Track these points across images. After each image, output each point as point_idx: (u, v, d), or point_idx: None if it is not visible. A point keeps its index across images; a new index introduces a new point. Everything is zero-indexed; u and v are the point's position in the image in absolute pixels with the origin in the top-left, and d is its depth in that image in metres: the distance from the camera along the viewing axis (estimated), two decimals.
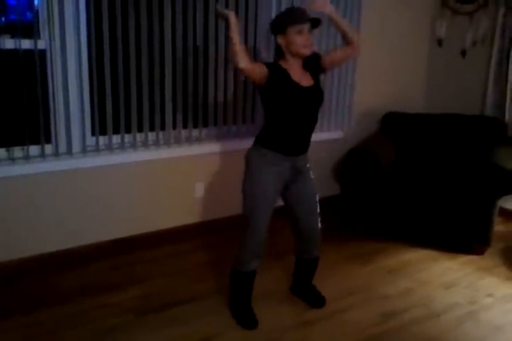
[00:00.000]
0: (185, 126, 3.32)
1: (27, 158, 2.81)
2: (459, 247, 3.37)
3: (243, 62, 2.13)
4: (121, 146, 3.11)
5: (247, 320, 2.48)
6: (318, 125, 3.84)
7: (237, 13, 3.31)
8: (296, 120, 2.31)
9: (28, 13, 2.76)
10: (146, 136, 3.19)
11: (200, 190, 3.48)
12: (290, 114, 2.28)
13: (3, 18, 2.75)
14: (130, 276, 2.91)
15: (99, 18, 2.83)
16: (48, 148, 2.91)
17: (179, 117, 3.26)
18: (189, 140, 3.35)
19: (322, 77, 2.50)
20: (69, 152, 2.97)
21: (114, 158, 3.07)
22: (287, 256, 2.78)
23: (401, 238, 3.51)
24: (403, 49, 4.27)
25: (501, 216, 3.68)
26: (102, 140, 3.06)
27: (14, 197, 2.81)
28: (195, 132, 3.39)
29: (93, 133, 3.03)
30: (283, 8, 3.50)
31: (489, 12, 3.91)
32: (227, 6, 3.24)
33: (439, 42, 4.32)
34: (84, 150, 3.00)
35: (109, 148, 3.07)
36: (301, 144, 2.39)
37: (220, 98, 3.42)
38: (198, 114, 3.36)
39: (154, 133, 3.23)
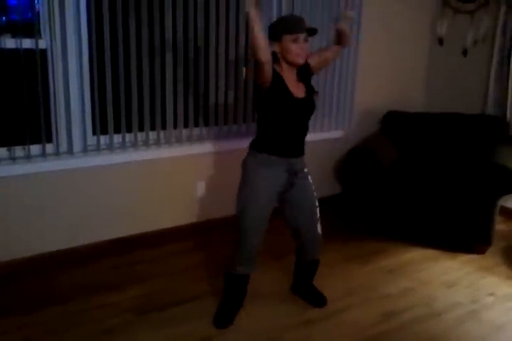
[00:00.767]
0: (186, 126, 3.32)
1: (28, 157, 2.81)
2: (460, 246, 3.36)
3: (267, 54, 2.08)
4: (122, 146, 3.11)
5: (220, 319, 2.46)
6: (318, 124, 3.89)
7: (237, 14, 3.32)
8: (288, 128, 2.31)
9: (29, 13, 2.76)
10: (147, 136, 3.19)
11: (201, 189, 3.48)
12: (282, 123, 2.29)
13: (4, 18, 2.75)
14: (130, 276, 2.91)
15: (100, 17, 2.83)
16: (49, 148, 2.91)
17: (180, 116, 3.26)
18: (190, 139, 3.35)
19: (314, 78, 2.51)
20: (70, 151, 2.97)
21: (115, 157, 3.07)
22: (287, 256, 2.77)
23: (402, 237, 3.51)
24: (404, 48, 4.26)
25: (502, 215, 3.69)
26: (103, 139, 3.06)
27: (15, 196, 2.81)
28: (196, 131, 3.39)
29: (94, 133, 3.03)
30: (283, 9, 3.51)
31: (490, 11, 3.91)
32: (227, 9, 3.25)
33: (440, 41, 4.31)
34: (85, 150, 3.00)
35: (110, 147, 3.07)
36: (295, 147, 2.38)
37: (221, 97, 3.42)
38: (199, 113, 3.36)
39: (155, 133, 3.22)
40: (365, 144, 3.77)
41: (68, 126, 2.93)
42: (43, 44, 2.75)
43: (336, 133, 4.04)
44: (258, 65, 2.12)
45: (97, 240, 3.12)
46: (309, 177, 2.46)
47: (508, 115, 3.86)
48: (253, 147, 2.37)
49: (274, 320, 2.52)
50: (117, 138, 3.10)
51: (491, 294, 2.84)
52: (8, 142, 2.77)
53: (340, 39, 2.48)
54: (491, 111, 3.95)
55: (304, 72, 2.36)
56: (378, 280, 2.97)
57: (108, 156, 3.05)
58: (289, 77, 2.28)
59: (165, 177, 3.30)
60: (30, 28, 2.68)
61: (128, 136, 3.13)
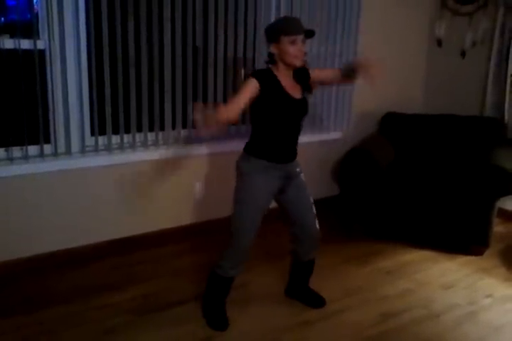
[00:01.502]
0: (184, 127, 3.32)
1: (26, 157, 2.80)
2: (458, 248, 3.37)
3: (234, 114, 2.11)
4: (121, 146, 3.11)
5: (218, 321, 2.46)
6: (317, 126, 3.89)
7: (236, 15, 3.32)
8: (283, 130, 2.31)
9: (28, 14, 2.75)
10: (146, 136, 3.19)
11: (199, 190, 3.48)
12: (279, 124, 2.28)
13: (2, 18, 2.75)
14: (130, 276, 2.91)
15: (99, 18, 2.83)
16: (47, 148, 2.91)
17: (179, 117, 3.26)
18: (189, 140, 3.35)
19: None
20: (68, 152, 2.96)
21: (114, 158, 3.07)
22: (284, 258, 2.77)
23: (400, 239, 3.51)
24: (403, 49, 4.27)
25: (500, 217, 3.69)
26: (101, 140, 3.06)
27: (13, 197, 2.81)
28: (194, 132, 3.39)
29: (92, 133, 3.03)
30: (282, 10, 3.51)
31: (488, 13, 3.92)
32: (226, 10, 3.25)
33: (439, 43, 4.32)
34: (83, 151, 3.00)
35: (109, 148, 3.07)
36: (288, 152, 2.37)
37: (220, 98, 3.41)
38: None
39: (153, 134, 3.22)
40: (364, 145, 3.77)
41: (66, 127, 2.93)
42: (41, 44, 2.75)
43: (335, 135, 4.04)
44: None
45: (96, 240, 3.11)
46: (302, 175, 2.47)
47: (506, 117, 3.87)
48: (248, 151, 2.35)
49: (273, 321, 2.52)
50: (115, 138, 3.09)
51: (489, 296, 2.84)
52: (6, 142, 2.76)
53: (347, 77, 2.41)
54: (489, 113, 3.96)
55: (302, 77, 2.35)
56: (376, 281, 2.97)
57: (106, 157, 3.05)
58: (286, 78, 2.28)
59: (163, 178, 3.29)
60: (28, 28, 2.68)
61: (126, 137, 3.12)
